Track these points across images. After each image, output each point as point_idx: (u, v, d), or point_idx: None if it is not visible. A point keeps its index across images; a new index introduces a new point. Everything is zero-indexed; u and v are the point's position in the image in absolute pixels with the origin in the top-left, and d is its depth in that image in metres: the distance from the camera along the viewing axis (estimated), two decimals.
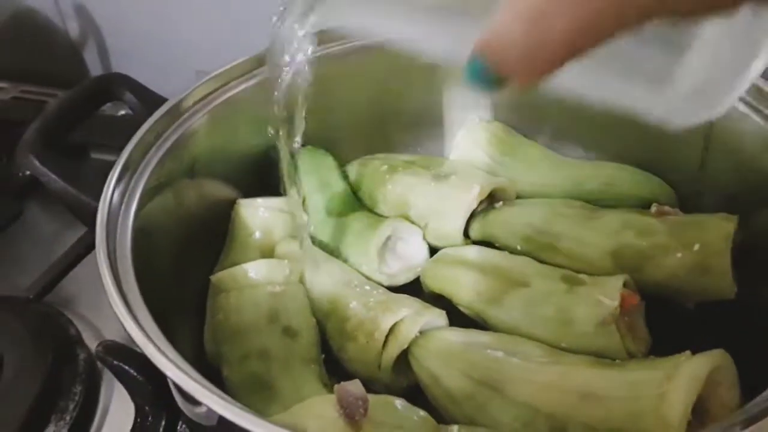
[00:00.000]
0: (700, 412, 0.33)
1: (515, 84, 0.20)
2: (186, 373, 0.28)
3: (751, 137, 0.41)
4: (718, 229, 0.39)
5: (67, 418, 0.47)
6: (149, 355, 0.28)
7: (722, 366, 0.32)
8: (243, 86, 0.48)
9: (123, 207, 0.37)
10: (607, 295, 0.38)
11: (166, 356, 0.28)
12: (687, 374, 0.31)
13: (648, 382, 0.32)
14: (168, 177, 0.42)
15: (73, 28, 0.87)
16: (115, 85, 0.47)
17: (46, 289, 0.54)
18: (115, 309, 0.30)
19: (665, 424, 0.30)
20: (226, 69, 0.48)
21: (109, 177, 0.37)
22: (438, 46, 0.24)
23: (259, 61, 0.49)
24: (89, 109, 0.46)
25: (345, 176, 0.53)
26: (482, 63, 0.20)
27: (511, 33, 0.19)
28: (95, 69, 0.89)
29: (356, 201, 0.52)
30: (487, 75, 0.20)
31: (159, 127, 0.42)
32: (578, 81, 0.23)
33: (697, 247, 0.39)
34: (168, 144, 0.42)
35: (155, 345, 0.29)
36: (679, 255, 0.40)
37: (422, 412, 0.33)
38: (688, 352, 0.33)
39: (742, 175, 0.43)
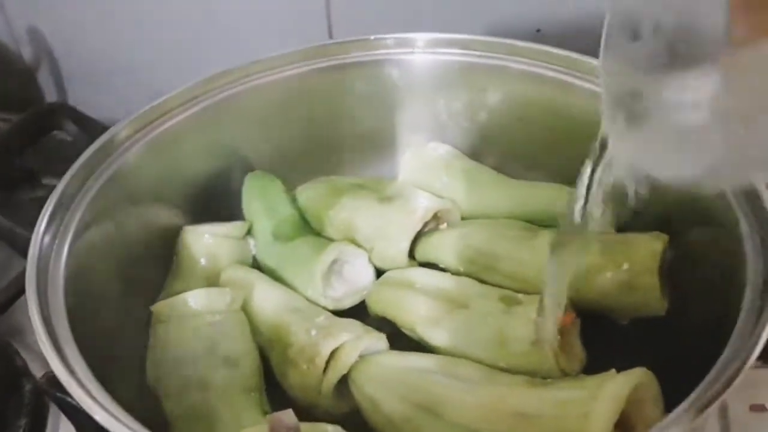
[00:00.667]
0: (625, 429, 0.34)
1: None
2: (112, 415, 0.28)
3: None
4: (647, 248, 0.41)
5: None
6: (75, 397, 0.28)
7: (644, 383, 0.33)
8: (186, 113, 0.48)
9: (57, 242, 0.37)
10: (544, 313, 0.39)
11: (93, 398, 0.28)
12: (609, 393, 0.32)
13: (574, 401, 0.34)
14: (107, 208, 0.42)
15: (26, 52, 0.86)
16: (56, 114, 0.47)
17: None
18: (43, 349, 0.30)
19: None
20: (167, 97, 0.48)
21: (42, 214, 0.37)
22: None
23: (201, 87, 0.50)
24: (32, 139, 0.46)
25: (293, 200, 0.54)
26: None
27: None
28: (50, 92, 0.88)
29: (304, 225, 0.52)
30: None
31: (96, 159, 0.42)
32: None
33: (626, 266, 0.41)
34: (106, 175, 0.42)
35: (83, 386, 0.29)
36: (609, 274, 0.41)
37: None
38: (612, 371, 0.34)
39: (676, 194, 0.44)
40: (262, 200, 0.52)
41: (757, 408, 0.48)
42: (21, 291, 0.55)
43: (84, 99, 0.85)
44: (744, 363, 0.29)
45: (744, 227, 0.36)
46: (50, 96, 0.87)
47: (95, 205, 0.41)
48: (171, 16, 0.72)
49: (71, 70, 0.85)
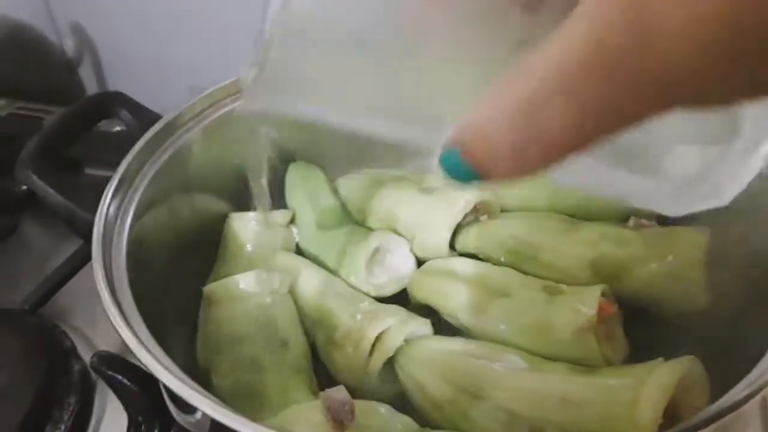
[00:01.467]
0: (672, 417, 0.34)
1: (496, 179, 0.18)
2: (179, 378, 0.29)
3: None
4: (692, 241, 0.41)
5: (62, 427, 0.48)
6: (143, 361, 0.30)
7: (692, 372, 0.34)
8: (236, 103, 0.50)
9: (118, 221, 0.39)
10: (585, 303, 0.40)
11: (161, 363, 0.30)
12: (658, 380, 0.33)
13: (622, 388, 0.34)
14: (162, 191, 0.43)
15: (68, 46, 0.88)
16: (111, 102, 0.48)
17: (41, 302, 0.55)
18: (111, 318, 0.32)
19: (637, 428, 0.32)
20: (219, 87, 0.50)
21: (105, 191, 0.38)
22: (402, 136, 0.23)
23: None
24: (86, 125, 0.47)
25: (335, 191, 0.55)
26: (459, 157, 0.18)
27: (496, 127, 0.17)
28: (91, 86, 0.91)
29: (346, 215, 0.53)
30: (466, 169, 0.18)
31: (154, 143, 0.43)
32: (565, 172, 0.19)
33: (671, 258, 0.41)
34: (162, 159, 0.43)
35: (150, 352, 0.30)
36: (653, 265, 0.41)
37: (406, 418, 0.35)
38: (660, 359, 0.35)
39: None
40: (304, 190, 0.53)
41: None
42: (73, 272, 0.57)
43: (124, 91, 0.87)
44: None
45: None
46: (91, 90, 0.90)
47: (152, 188, 0.42)
48: (209, 9, 0.73)
49: (112, 64, 0.87)
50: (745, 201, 0.41)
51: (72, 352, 0.53)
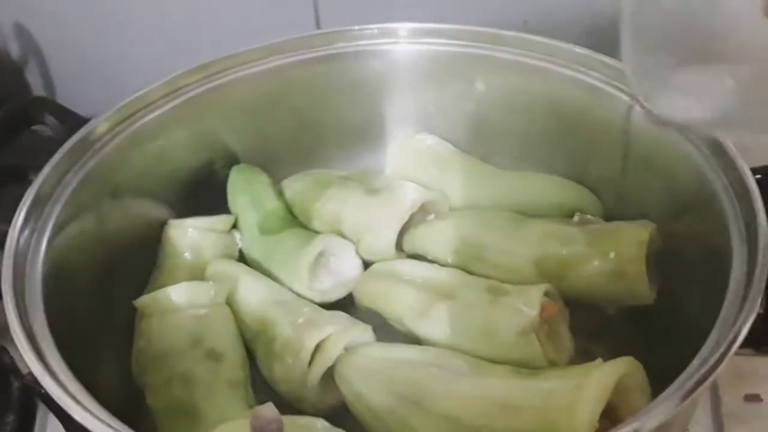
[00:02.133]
0: (613, 419, 0.33)
1: None
2: (89, 412, 0.27)
3: (666, 148, 0.42)
4: (633, 237, 0.40)
5: None
6: (51, 394, 0.28)
7: (631, 373, 0.33)
8: (168, 106, 0.48)
9: (36, 236, 0.37)
10: (527, 304, 0.39)
11: (69, 394, 0.28)
12: (595, 383, 0.32)
13: (559, 392, 0.33)
14: (88, 202, 0.41)
15: (13, 48, 0.86)
16: (36, 108, 0.46)
17: None
18: (19, 347, 0.30)
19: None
20: (149, 89, 0.48)
21: (19, 208, 0.36)
22: None
23: (184, 78, 0.49)
24: (10, 133, 0.45)
25: (280, 193, 0.53)
26: None
27: None
28: (37, 89, 0.88)
29: (291, 218, 0.52)
30: None
31: (75, 153, 0.41)
32: None
33: (612, 255, 0.40)
34: (85, 169, 0.42)
35: (59, 383, 0.29)
36: (596, 263, 0.41)
37: (338, 430, 0.34)
38: (599, 360, 0.34)
39: (662, 183, 0.44)
40: (247, 193, 0.51)
41: (751, 398, 0.47)
42: None
43: (72, 95, 0.84)
44: (728, 349, 0.29)
45: (729, 215, 0.36)
46: (38, 92, 0.87)
47: (75, 200, 0.40)
48: (157, 11, 0.71)
49: (59, 66, 0.85)
50: (685, 197, 0.41)
51: (11, 369, 0.51)
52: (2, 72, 0.86)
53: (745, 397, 0.47)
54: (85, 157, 0.42)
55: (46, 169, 0.39)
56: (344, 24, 0.53)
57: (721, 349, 0.29)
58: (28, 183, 0.68)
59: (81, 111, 0.80)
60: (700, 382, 0.28)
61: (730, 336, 0.29)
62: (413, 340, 0.43)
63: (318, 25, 0.64)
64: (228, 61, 0.50)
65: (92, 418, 0.27)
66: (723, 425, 0.45)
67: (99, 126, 0.43)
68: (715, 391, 0.48)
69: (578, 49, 0.46)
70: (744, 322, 0.30)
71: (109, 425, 0.27)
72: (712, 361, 0.29)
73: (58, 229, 0.38)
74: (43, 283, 0.35)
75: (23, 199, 0.37)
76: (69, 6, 0.75)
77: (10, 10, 0.79)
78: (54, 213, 0.38)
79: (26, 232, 0.37)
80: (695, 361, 0.30)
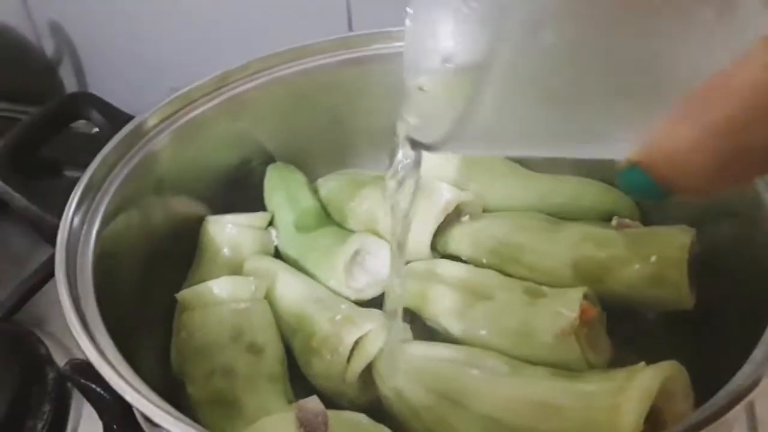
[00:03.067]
0: (655, 423, 0.33)
1: (688, 194, 0.19)
2: (142, 395, 0.28)
3: None
4: (674, 241, 0.40)
5: None
6: (106, 377, 0.29)
7: (674, 377, 0.33)
8: (209, 104, 0.49)
9: (85, 227, 0.37)
10: (567, 306, 0.39)
11: (124, 378, 0.29)
12: (639, 386, 0.32)
13: (603, 393, 0.33)
14: (133, 196, 0.42)
15: (48, 46, 0.87)
16: (81, 104, 0.47)
17: (15, 308, 0.54)
18: (74, 332, 0.31)
19: None
20: (192, 87, 0.48)
21: (71, 198, 0.37)
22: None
23: (224, 78, 0.50)
24: (56, 128, 0.46)
25: (315, 192, 0.54)
26: (644, 175, 0.19)
27: (692, 145, 0.18)
28: (71, 86, 0.90)
29: (326, 216, 0.52)
30: (652, 186, 0.19)
31: (123, 147, 0.42)
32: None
33: (653, 259, 0.40)
34: (133, 163, 0.42)
35: (113, 367, 0.29)
36: (636, 266, 0.41)
37: (383, 428, 0.34)
38: (642, 363, 0.34)
39: None
40: (283, 191, 0.52)
41: None
42: (47, 277, 0.56)
43: (104, 93, 0.86)
44: None
45: None
46: (71, 90, 0.88)
47: (122, 193, 0.41)
48: (190, 10, 0.72)
49: (92, 64, 0.86)
50: (729, 202, 0.41)
51: (47, 360, 0.52)
52: (37, 69, 0.88)
53: None
54: (132, 151, 0.43)
55: (96, 161, 0.40)
56: (375, 26, 0.54)
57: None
58: (62, 178, 0.69)
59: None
60: (744, 394, 0.28)
61: None
62: (450, 339, 0.43)
63: (350, 26, 0.65)
64: (267, 61, 0.51)
65: (147, 402, 0.27)
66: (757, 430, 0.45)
67: (147, 121, 0.44)
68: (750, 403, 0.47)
69: None
70: None
71: (160, 408, 0.28)
72: (756, 374, 0.29)
73: (106, 220, 0.39)
74: (93, 273, 0.35)
75: (74, 189, 0.38)
76: (102, 5, 0.76)
77: (45, 9, 0.81)
78: (102, 204, 0.39)
79: (76, 223, 0.37)
80: (741, 373, 0.30)
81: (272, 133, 0.54)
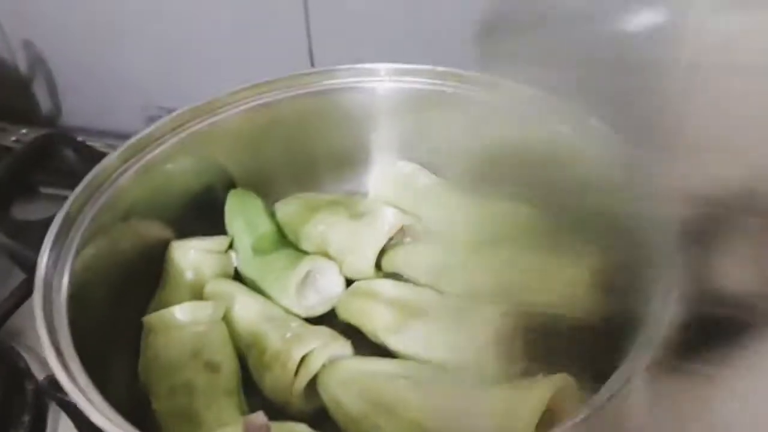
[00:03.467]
0: (549, 425, 0.39)
1: None
2: (108, 419, 0.33)
3: None
4: (575, 276, 0.46)
5: None
6: (73, 399, 0.34)
7: (565, 387, 0.39)
8: (174, 139, 0.53)
9: (60, 262, 0.42)
10: (487, 322, 0.45)
11: (92, 403, 0.34)
12: (534, 395, 0.38)
13: (505, 401, 0.39)
14: (104, 227, 0.47)
15: (22, 64, 0.89)
16: (55, 144, 0.51)
17: None
18: (48, 359, 0.36)
19: None
20: (158, 124, 0.53)
21: (47, 236, 0.42)
22: None
23: (191, 114, 0.55)
24: (31, 167, 0.50)
25: (272, 215, 0.59)
26: None
27: None
28: (44, 102, 0.92)
29: (282, 239, 0.57)
30: None
31: (92, 186, 0.47)
32: None
33: (563, 283, 0.46)
34: (103, 198, 0.47)
35: (83, 393, 0.34)
36: (549, 289, 0.47)
37: None
38: (540, 375, 0.40)
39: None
40: (242, 216, 0.57)
41: None
42: (25, 296, 0.60)
43: (78, 109, 0.89)
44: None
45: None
46: (45, 106, 0.91)
47: (93, 226, 0.46)
48: (164, 31, 0.75)
49: (65, 82, 0.88)
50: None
51: (26, 373, 0.56)
52: (11, 85, 0.90)
53: None
54: (102, 188, 0.47)
55: (69, 201, 0.44)
56: (335, 62, 0.59)
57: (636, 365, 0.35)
58: (39, 196, 0.72)
59: (86, 121, 0.84)
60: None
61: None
62: (388, 353, 0.48)
63: (312, 63, 0.70)
64: (229, 98, 0.56)
65: (110, 423, 0.33)
66: None
67: (113, 161, 0.49)
68: None
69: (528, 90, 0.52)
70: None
71: (122, 428, 0.33)
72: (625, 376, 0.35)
73: (79, 253, 0.43)
74: (67, 304, 0.40)
75: (50, 228, 0.42)
76: (74, 22, 0.79)
77: (18, 26, 0.83)
78: (75, 239, 0.44)
79: (52, 257, 0.42)
80: (613, 378, 0.36)
81: (235, 161, 0.59)
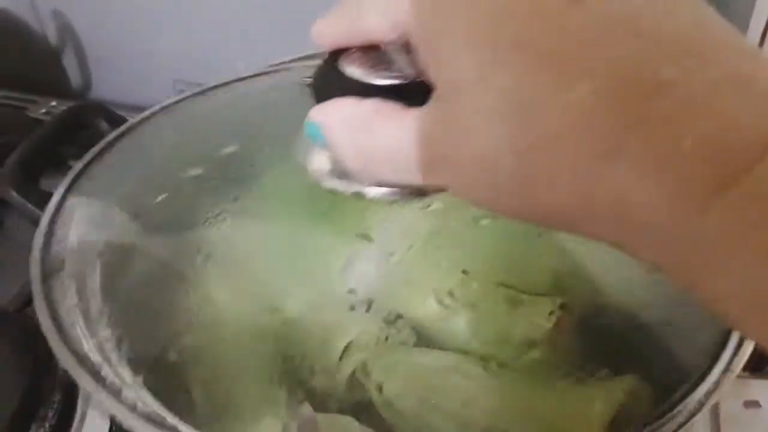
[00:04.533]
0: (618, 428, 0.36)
1: None
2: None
3: None
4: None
5: (47, 425, 0.50)
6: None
7: (636, 387, 0.36)
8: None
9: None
10: (542, 315, 0.42)
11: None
12: (606, 395, 0.35)
13: (573, 400, 0.36)
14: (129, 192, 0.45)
15: (51, 34, 0.88)
16: (90, 114, 0.49)
17: (27, 302, 0.57)
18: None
19: None
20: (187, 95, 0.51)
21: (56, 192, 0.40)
22: None
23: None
24: (65, 138, 0.48)
25: None
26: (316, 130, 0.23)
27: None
28: (74, 74, 0.91)
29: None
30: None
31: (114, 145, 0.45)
32: None
33: None
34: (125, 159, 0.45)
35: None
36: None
37: (368, 430, 0.37)
38: (608, 375, 0.37)
39: None
40: None
41: (750, 404, 0.49)
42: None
43: (107, 81, 0.87)
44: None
45: None
46: (74, 78, 0.90)
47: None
48: (195, 6, 0.73)
49: (95, 53, 0.87)
50: None
51: None
52: (40, 56, 0.89)
53: (745, 403, 0.49)
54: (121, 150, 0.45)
55: (85, 159, 0.42)
56: None
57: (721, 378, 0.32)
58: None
59: (116, 94, 0.83)
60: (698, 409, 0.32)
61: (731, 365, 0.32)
62: (435, 344, 0.46)
63: None
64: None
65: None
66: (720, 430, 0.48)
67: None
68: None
69: None
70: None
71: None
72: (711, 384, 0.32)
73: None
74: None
75: (59, 187, 0.40)
76: None
77: None
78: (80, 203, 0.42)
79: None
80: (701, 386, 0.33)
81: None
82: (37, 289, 0.37)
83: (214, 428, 0.37)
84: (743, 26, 0.59)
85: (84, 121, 0.50)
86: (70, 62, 0.88)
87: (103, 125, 0.50)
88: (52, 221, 0.40)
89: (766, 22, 0.60)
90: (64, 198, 0.41)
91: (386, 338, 0.44)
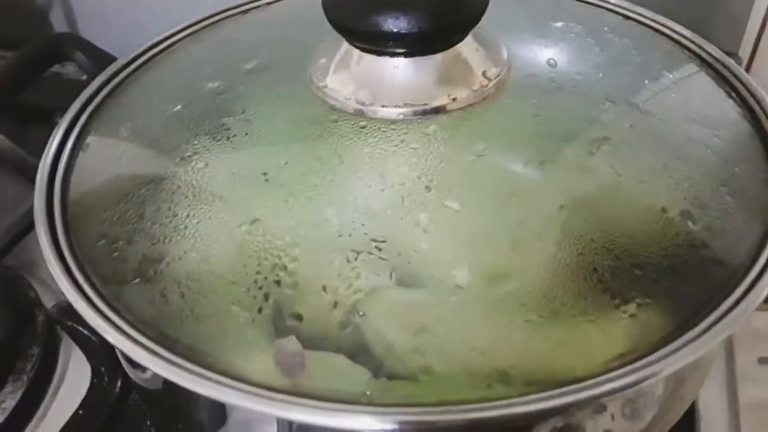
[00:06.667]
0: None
1: None
2: (127, 336, 0.28)
3: None
4: None
5: (24, 378, 0.48)
6: (84, 316, 0.29)
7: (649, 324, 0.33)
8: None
9: (65, 163, 0.37)
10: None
11: (106, 318, 0.29)
12: (615, 333, 0.32)
13: (583, 336, 0.34)
14: (118, 132, 0.42)
15: None
16: (65, 45, 0.46)
17: (4, 251, 0.55)
18: (51, 269, 0.31)
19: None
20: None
21: (51, 138, 0.37)
22: None
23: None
24: (40, 69, 0.45)
25: None
26: None
27: None
28: (60, 28, 0.89)
29: None
30: None
31: (107, 85, 0.42)
32: None
33: None
34: (118, 100, 0.42)
35: (93, 306, 0.29)
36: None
37: (360, 368, 0.34)
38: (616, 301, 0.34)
39: None
40: None
41: (765, 360, 0.48)
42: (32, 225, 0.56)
43: (95, 36, 0.85)
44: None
45: None
46: (61, 30, 0.87)
47: (107, 128, 0.41)
48: None
49: (84, 10, 0.85)
50: None
51: (36, 303, 0.53)
52: (26, 11, 0.86)
53: (759, 359, 0.48)
54: (116, 91, 0.42)
55: (80, 100, 0.39)
56: None
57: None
58: (52, 125, 0.68)
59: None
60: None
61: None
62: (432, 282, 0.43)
63: None
64: None
65: (124, 338, 0.28)
66: (736, 386, 0.46)
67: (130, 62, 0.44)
68: (729, 351, 0.48)
69: None
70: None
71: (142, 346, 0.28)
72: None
73: (92, 157, 0.39)
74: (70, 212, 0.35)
75: (54, 130, 0.38)
76: None
77: None
78: (79, 144, 0.39)
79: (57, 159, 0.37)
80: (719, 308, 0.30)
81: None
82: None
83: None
84: (741, 26, 0.58)
85: (58, 53, 0.47)
86: (57, 19, 0.86)
87: (80, 57, 0.47)
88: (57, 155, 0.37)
89: (762, 22, 0.60)
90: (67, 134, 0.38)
91: (379, 275, 0.41)
